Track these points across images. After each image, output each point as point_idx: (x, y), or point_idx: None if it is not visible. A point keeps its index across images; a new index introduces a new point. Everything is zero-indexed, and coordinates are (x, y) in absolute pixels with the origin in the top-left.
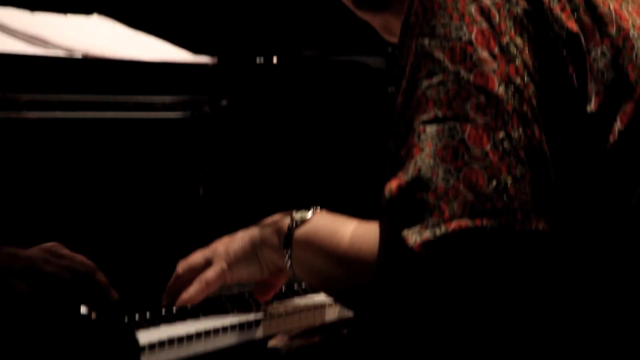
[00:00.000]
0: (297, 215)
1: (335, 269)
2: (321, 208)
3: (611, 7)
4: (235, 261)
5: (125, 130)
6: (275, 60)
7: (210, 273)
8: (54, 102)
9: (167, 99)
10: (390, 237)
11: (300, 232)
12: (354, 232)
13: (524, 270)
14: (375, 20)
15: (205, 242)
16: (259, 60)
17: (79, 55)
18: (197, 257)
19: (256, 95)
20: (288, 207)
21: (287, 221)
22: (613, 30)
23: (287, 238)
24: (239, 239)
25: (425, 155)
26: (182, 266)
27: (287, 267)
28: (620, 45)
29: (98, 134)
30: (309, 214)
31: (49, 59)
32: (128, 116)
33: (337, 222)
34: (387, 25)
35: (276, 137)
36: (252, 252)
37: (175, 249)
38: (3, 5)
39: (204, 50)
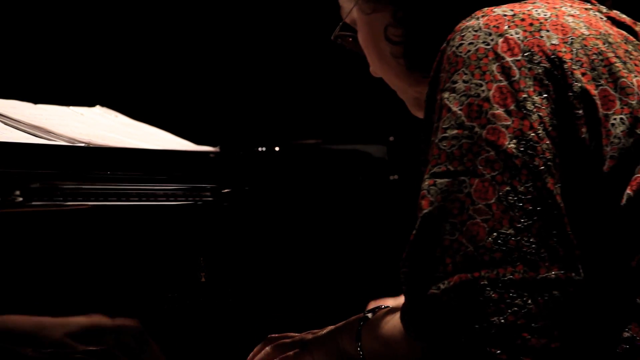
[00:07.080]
0: (368, 314)
1: (390, 349)
2: (322, 296)
3: (634, 82)
4: (317, 343)
5: (127, 217)
6: (277, 149)
7: (288, 340)
8: (57, 191)
9: (169, 187)
10: (406, 290)
11: (365, 326)
12: (395, 313)
13: (533, 317)
14: (409, 92)
15: (206, 327)
16: (261, 149)
17: (81, 145)
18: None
19: (259, 183)
20: (288, 293)
21: (361, 317)
22: (634, 102)
23: (358, 332)
24: (326, 329)
25: (433, 209)
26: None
27: (360, 356)
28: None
29: (101, 221)
30: (375, 310)
31: (52, 147)
32: (131, 203)
33: (392, 311)
34: (421, 98)
35: (278, 225)
36: (334, 340)
37: (177, 334)
38: (6, 98)
39: (207, 141)
